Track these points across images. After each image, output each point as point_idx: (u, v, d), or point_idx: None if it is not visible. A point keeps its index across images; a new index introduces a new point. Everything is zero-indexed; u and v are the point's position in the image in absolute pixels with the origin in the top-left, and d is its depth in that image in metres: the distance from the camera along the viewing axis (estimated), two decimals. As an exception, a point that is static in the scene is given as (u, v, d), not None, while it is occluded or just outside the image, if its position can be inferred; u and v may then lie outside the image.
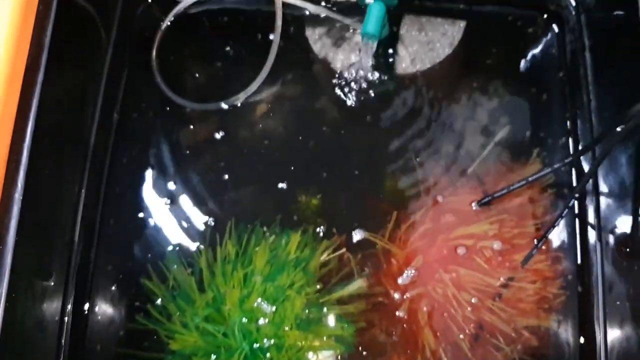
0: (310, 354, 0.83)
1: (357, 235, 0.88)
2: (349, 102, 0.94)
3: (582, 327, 0.84)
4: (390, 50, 0.96)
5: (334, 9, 0.98)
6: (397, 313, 0.84)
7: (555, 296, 0.85)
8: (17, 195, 0.69)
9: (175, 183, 0.91)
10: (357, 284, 0.86)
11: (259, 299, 0.84)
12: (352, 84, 0.94)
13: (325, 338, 0.84)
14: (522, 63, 0.96)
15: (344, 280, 0.86)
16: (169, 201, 0.90)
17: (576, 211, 0.88)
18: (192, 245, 0.88)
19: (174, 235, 0.89)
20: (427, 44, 0.96)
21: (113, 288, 0.87)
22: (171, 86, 0.95)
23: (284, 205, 0.89)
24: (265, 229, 0.88)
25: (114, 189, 0.91)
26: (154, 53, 0.96)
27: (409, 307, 0.85)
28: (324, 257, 0.87)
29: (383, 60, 0.95)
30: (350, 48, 0.96)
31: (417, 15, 0.98)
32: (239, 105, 0.94)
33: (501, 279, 0.85)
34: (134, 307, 0.86)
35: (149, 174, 0.92)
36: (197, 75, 0.97)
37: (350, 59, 0.96)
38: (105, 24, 0.92)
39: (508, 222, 0.87)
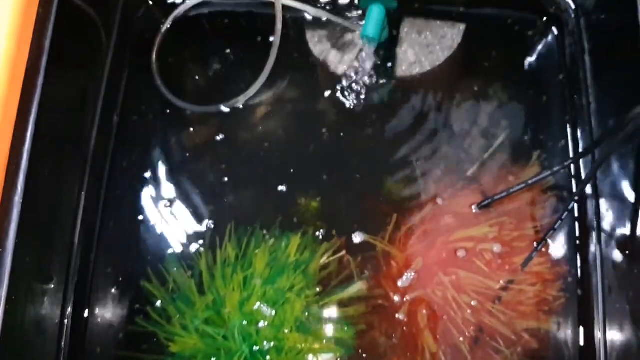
0: (310, 357, 0.83)
1: (357, 238, 0.88)
2: (348, 105, 0.94)
3: (582, 329, 0.84)
4: (390, 53, 0.96)
5: (334, 11, 0.98)
6: (397, 316, 0.84)
7: (555, 299, 0.85)
8: (17, 199, 0.69)
9: (175, 186, 0.91)
10: (357, 287, 0.86)
11: (259, 302, 0.84)
12: (352, 86, 0.94)
13: (325, 341, 0.84)
14: (522, 66, 0.96)
15: (344, 282, 0.86)
16: (168, 204, 0.90)
17: (576, 214, 0.88)
18: (192, 248, 0.88)
19: (174, 237, 0.89)
20: (427, 47, 0.96)
21: (113, 290, 0.87)
22: (171, 89, 0.95)
23: (284, 207, 0.89)
24: (265, 231, 0.88)
25: (114, 191, 0.91)
26: (154, 56, 0.97)
27: (409, 309, 0.85)
28: (323, 259, 0.87)
29: (383, 63, 0.95)
30: (350, 51, 0.96)
31: (416, 18, 0.98)
32: (239, 107, 0.94)
33: (501, 281, 0.85)
34: (133, 309, 0.86)
35: (149, 176, 0.92)
36: (197, 77, 0.98)
37: (350, 62, 0.96)
38: (105, 26, 0.92)
39: (508, 225, 0.87)
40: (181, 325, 0.84)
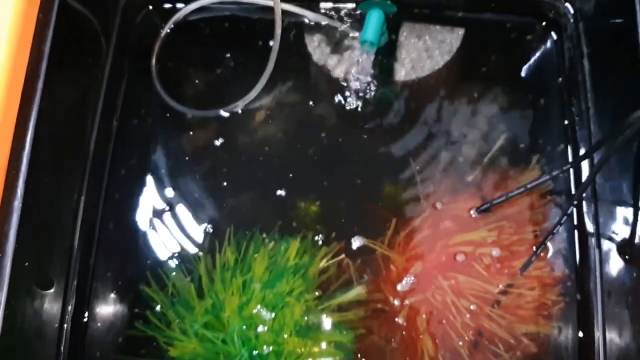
0: (309, 361, 0.83)
1: (356, 242, 0.88)
2: (348, 109, 0.94)
3: (581, 333, 0.84)
4: (389, 58, 0.96)
5: (333, 16, 0.98)
6: (396, 320, 0.84)
7: (554, 303, 0.85)
8: (17, 203, 0.69)
9: (174, 190, 0.91)
10: (356, 291, 0.86)
11: (258, 306, 0.84)
12: (351, 91, 0.94)
13: (324, 345, 0.84)
14: (521, 70, 0.96)
15: (343, 286, 0.86)
16: (168, 208, 0.90)
17: (575, 218, 0.88)
18: (191, 252, 0.88)
19: (173, 242, 0.89)
20: (426, 52, 0.96)
21: (112, 295, 0.87)
22: (171, 93, 0.95)
23: (283, 211, 0.89)
24: (264, 235, 0.88)
25: (114, 195, 0.91)
26: (153, 60, 0.97)
27: (408, 313, 0.85)
28: (323, 263, 0.87)
29: (382, 67, 0.95)
30: (349, 55, 0.97)
31: (415, 22, 0.98)
32: (238, 112, 0.94)
33: (500, 285, 0.85)
34: (133, 313, 0.86)
35: (148, 180, 0.92)
36: (196, 82, 0.98)
37: (349, 66, 0.96)
38: (105, 31, 0.92)
39: (507, 229, 0.87)
40: (180, 330, 0.84)
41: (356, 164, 0.92)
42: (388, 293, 0.86)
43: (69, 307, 0.84)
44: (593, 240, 0.85)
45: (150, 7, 1.00)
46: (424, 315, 0.85)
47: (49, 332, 0.81)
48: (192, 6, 0.97)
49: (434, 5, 0.98)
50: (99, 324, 0.86)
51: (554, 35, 0.97)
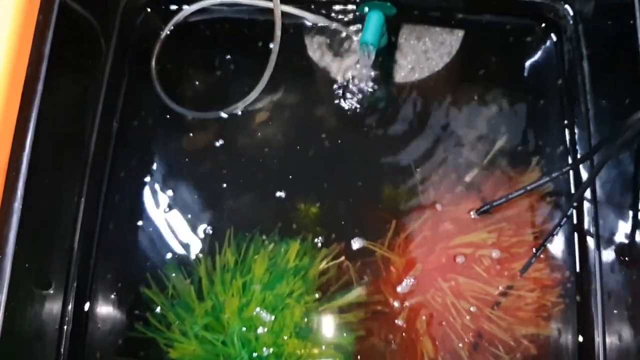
0: (309, 363, 0.83)
1: (356, 244, 0.88)
2: (347, 111, 0.94)
3: (581, 335, 0.84)
4: (389, 60, 0.96)
5: (333, 18, 0.98)
6: (396, 321, 0.84)
7: (554, 304, 0.85)
8: (17, 205, 0.69)
9: (174, 191, 0.91)
10: (356, 292, 0.86)
11: (258, 308, 0.84)
12: (351, 92, 0.94)
13: (324, 347, 0.84)
14: (520, 72, 0.96)
15: (343, 288, 0.86)
16: (168, 209, 0.90)
17: (575, 220, 0.88)
18: (191, 254, 0.88)
19: (173, 243, 0.89)
20: (426, 53, 0.97)
21: (112, 296, 0.87)
22: (171, 95, 0.95)
23: (283, 213, 0.89)
24: (264, 237, 0.88)
25: (114, 197, 0.91)
26: (153, 62, 0.97)
27: (408, 315, 0.85)
28: (323, 265, 0.87)
29: (382, 69, 0.96)
30: (349, 57, 0.97)
31: (415, 24, 0.98)
32: (238, 113, 0.94)
33: (500, 287, 0.85)
34: (133, 315, 0.86)
35: (148, 182, 0.92)
36: (196, 83, 0.98)
37: (349, 68, 0.96)
38: (105, 33, 0.92)
39: (507, 231, 0.88)
40: (180, 331, 0.84)
41: (356, 165, 0.92)
42: (388, 295, 0.86)
43: (69, 309, 0.84)
44: (593, 242, 0.85)
45: (150, 10, 1.00)
46: (423, 317, 0.85)
47: (49, 333, 0.81)
48: (192, 8, 0.97)
49: (433, 7, 0.99)
50: (99, 326, 0.86)
51: (553, 37, 0.97)
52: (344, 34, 0.98)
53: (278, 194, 0.90)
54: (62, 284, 0.83)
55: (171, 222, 0.90)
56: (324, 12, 0.99)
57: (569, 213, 0.86)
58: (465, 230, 0.88)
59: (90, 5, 0.85)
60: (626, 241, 0.80)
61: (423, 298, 0.85)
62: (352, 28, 0.98)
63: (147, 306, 0.86)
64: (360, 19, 0.97)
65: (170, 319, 0.85)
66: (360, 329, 0.84)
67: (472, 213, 0.88)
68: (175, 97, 0.95)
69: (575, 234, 0.87)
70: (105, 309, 0.86)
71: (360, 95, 0.94)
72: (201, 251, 0.88)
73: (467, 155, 0.92)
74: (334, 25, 0.97)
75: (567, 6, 0.95)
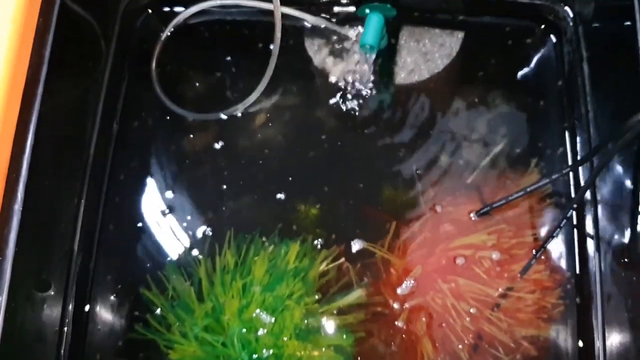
0: (309, 364, 0.83)
1: (356, 245, 0.88)
2: (347, 113, 0.94)
3: (580, 337, 0.84)
4: (389, 61, 0.96)
5: (333, 20, 0.98)
6: (396, 323, 0.84)
7: (554, 306, 0.85)
8: (17, 207, 0.69)
9: (174, 193, 0.92)
10: (356, 294, 0.86)
11: (258, 309, 0.84)
12: (351, 94, 0.95)
13: (324, 348, 0.84)
14: (520, 74, 0.96)
15: (343, 290, 0.86)
16: (168, 211, 0.90)
17: (574, 221, 0.88)
18: (191, 255, 0.88)
19: (173, 245, 0.89)
20: (426, 55, 0.97)
21: (112, 298, 0.87)
22: (171, 96, 0.95)
23: (283, 215, 0.89)
24: (264, 238, 0.88)
25: (114, 198, 0.91)
26: (153, 63, 0.97)
27: (408, 317, 0.85)
28: (323, 266, 0.87)
29: (381, 71, 0.96)
30: (349, 59, 0.97)
31: (415, 26, 0.98)
32: (238, 115, 0.94)
33: (500, 289, 0.85)
34: (133, 317, 0.86)
35: (148, 183, 0.92)
36: (196, 85, 0.98)
37: (349, 70, 0.96)
38: (105, 34, 0.93)
39: (506, 232, 0.88)
40: (180, 333, 0.84)
41: (356, 167, 0.92)
42: (388, 296, 0.86)
43: (69, 310, 0.84)
44: (593, 244, 0.85)
45: (150, 11, 1.00)
46: (423, 319, 0.85)
47: (49, 335, 0.81)
48: (192, 10, 0.97)
49: (433, 9, 0.99)
50: (99, 327, 0.86)
51: (553, 38, 0.97)
52: (344, 36, 0.98)
53: (278, 195, 0.90)
54: (62, 286, 0.84)
55: (171, 223, 0.90)
56: (324, 13, 0.99)
57: (569, 215, 0.86)
58: (465, 231, 0.88)
59: (90, 7, 0.85)
60: (626, 243, 0.80)
61: (423, 300, 0.85)
62: (352, 30, 0.98)
63: (147, 307, 0.86)
64: (360, 20, 0.97)
65: (170, 321, 0.85)
66: (360, 330, 0.84)
67: (472, 215, 0.88)
68: (175, 98, 0.95)
69: (575, 236, 0.87)
70: (105, 311, 0.87)
71: (360, 97, 0.94)
72: (201, 252, 0.88)
73: (467, 156, 0.92)
74: (334, 27, 0.97)
75: (567, 8, 0.95)
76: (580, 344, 0.84)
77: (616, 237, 0.81)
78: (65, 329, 0.84)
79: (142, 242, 0.89)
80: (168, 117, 0.95)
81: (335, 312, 0.85)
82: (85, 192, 0.87)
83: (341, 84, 0.95)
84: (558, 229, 0.86)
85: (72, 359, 0.83)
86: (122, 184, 0.92)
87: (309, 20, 0.97)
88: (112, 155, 0.92)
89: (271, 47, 0.93)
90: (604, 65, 0.88)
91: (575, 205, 0.87)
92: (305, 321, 0.84)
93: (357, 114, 0.94)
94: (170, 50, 0.98)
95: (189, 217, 0.90)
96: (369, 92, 0.95)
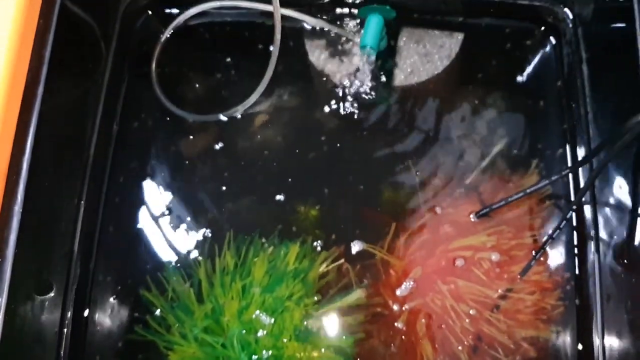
0: (309, 365, 0.83)
1: (355, 246, 0.88)
2: (347, 114, 0.94)
3: (580, 338, 0.84)
4: (389, 63, 0.96)
5: (333, 21, 0.99)
6: (395, 324, 0.85)
7: (554, 307, 0.85)
8: (17, 208, 0.69)
9: (174, 194, 0.92)
10: (356, 295, 0.86)
11: (258, 310, 0.84)
12: (351, 95, 0.95)
13: (323, 349, 0.84)
14: (520, 75, 0.96)
15: (342, 291, 0.86)
16: (168, 212, 0.90)
17: (574, 223, 0.88)
18: (191, 256, 0.88)
19: (173, 246, 0.89)
20: (425, 56, 0.97)
21: (112, 299, 0.87)
22: (171, 98, 0.95)
23: (283, 216, 0.90)
24: (264, 240, 0.88)
25: (114, 199, 0.91)
26: (153, 65, 0.97)
27: (408, 318, 0.85)
28: (322, 268, 0.87)
29: (381, 72, 0.96)
30: (349, 60, 0.97)
31: (415, 27, 0.98)
32: (238, 116, 0.95)
33: (499, 290, 0.85)
34: (133, 318, 0.86)
35: (148, 184, 0.92)
36: (196, 86, 0.98)
37: (348, 71, 0.96)
38: (105, 36, 0.93)
39: (506, 234, 0.88)
40: (180, 334, 0.84)
41: (355, 168, 0.92)
42: (387, 297, 0.86)
43: (69, 312, 0.84)
44: (592, 245, 0.85)
45: (150, 13, 1.00)
46: (423, 320, 0.85)
47: (49, 336, 0.81)
48: (192, 11, 0.98)
49: (433, 11, 0.99)
50: (98, 328, 0.86)
51: (552, 40, 0.97)
52: (343, 38, 0.98)
53: (278, 196, 0.90)
54: (62, 287, 0.84)
55: (171, 224, 0.90)
56: (323, 15, 0.99)
57: (568, 216, 0.86)
58: (464, 233, 0.88)
59: (90, 8, 0.85)
60: (626, 244, 0.80)
61: (422, 301, 0.85)
62: (352, 31, 0.98)
63: (147, 309, 0.86)
64: (360, 22, 0.98)
65: (170, 322, 0.85)
66: (360, 331, 0.84)
67: (471, 216, 0.88)
68: (175, 100, 0.95)
69: (575, 237, 0.87)
70: (105, 312, 0.87)
71: (359, 99, 0.95)
72: (201, 254, 0.88)
73: (466, 158, 0.92)
74: (334, 28, 0.98)
75: (566, 9, 0.95)
76: (580, 345, 0.84)
77: (616, 238, 0.82)
78: (65, 330, 0.84)
79: (142, 243, 0.89)
80: (168, 118, 0.95)
81: (335, 313, 0.85)
82: (85, 193, 0.87)
83: (341, 85, 0.95)
84: (557, 230, 0.86)
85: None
86: (122, 184, 0.92)
87: (309, 22, 0.97)
88: (112, 156, 0.92)
89: (271, 48, 0.93)
90: (604, 66, 0.88)
91: (574, 207, 0.87)
92: (305, 322, 0.84)
93: (356, 115, 0.94)
94: (170, 52, 0.98)
95: (188, 219, 0.90)
96: (368, 93, 0.95)
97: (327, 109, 0.95)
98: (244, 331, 0.83)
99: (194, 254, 0.88)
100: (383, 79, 0.96)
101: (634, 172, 0.78)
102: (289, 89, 0.96)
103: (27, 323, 0.75)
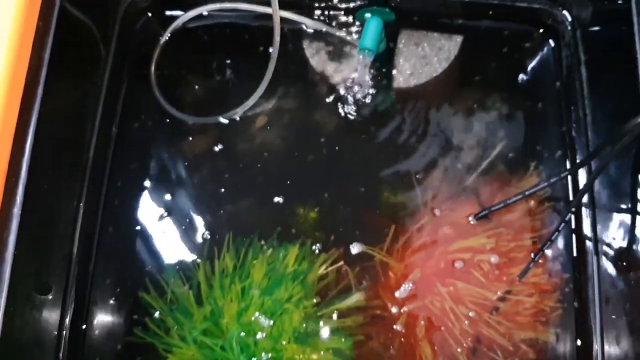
0: (308, 368, 0.83)
1: (355, 249, 0.88)
2: (346, 116, 0.94)
3: (579, 340, 0.84)
4: (388, 65, 0.97)
5: (332, 23, 0.99)
6: (394, 326, 0.84)
7: (553, 309, 0.85)
8: (16, 210, 0.69)
9: (173, 196, 0.92)
10: (355, 297, 0.86)
11: (257, 313, 0.84)
12: (350, 98, 0.95)
13: (322, 351, 0.84)
14: (519, 77, 0.96)
15: (341, 293, 0.86)
16: (167, 214, 0.90)
17: (573, 225, 0.88)
18: (190, 259, 0.88)
19: (172, 248, 0.89)
20: (424, 59, 0.97)
21: (111, 301, 0.87)
22: (170, 100, 0.95)
23: (282, 218, 0.90)
24: (263, 242, 0.88)
25: (113, 201, 0.91)
26: (153, 67, 0.97)
27: (407, 320, 0.85)
28: (321, 270, 0.87)
29: (380, 74, 0.96)
30: (348, 62, 0.97)
31: (414, 30, 0.98)
32: (237, 118, 0.95)
33: (498, 292, 0.86)
34: (132, 320, 0.86)
35: (147, 186, 0.92)
36: (196, 88, 0.98)
37: (347, 74, 0.96)
38: (104, 38, 0.93)
39: (505, 236, 0.88)
40: (179, 336, 0.84)
41: (355, 170, 0.92)
42: (387, 300, 0.86)
43: (68, 314, 0.84)
44: (591, 247, 0.85)
45: (149, 15, 1.00)
46: (422, 322, 0.85)
47: (48, 339, 0.81)
48: (191, 14, 0.98)
49: (432, 13, 0.99)
50: (97, 331, 0.86)
51: (551, 42, 0.97)
52: (342, 40, 0.98)
53: (277, 198, 0.90)
54: (61, 289, 0.83)
55: (170, 226, 0.90)
56: (323, 17, 0.99)
57: (567, 218, 0.86)
58: (463, 235, 0.88)
59: (89, 10, 0.85)
60: (624, 246, 0.80)
61: (422, 303, 0.85)
62: (351, 34, 0.98)
63: (146, 311, 0.86)
64: (359, 24, 0.98)
65: (169, 324, 0.85)
66: (359, 333, 0.84)
67: (470, 218, 0.89)
68: (174, 102, 0.95)
69: (574, 239, 0.88)
70: (104, 314, 0.86)
71: (358, 101, 0.95)
72: (200, 256, 0.88)
73: (465, 160, 0.92)
74: (333, 30, 0.98)
75: (565, 12, 0.95)
76: (579, 347, 0.84)
77: (614, 240, 0.82)
78: (64, 332, 0.84)
79: (141, 245, 0.89)
80: (167, 120, 0.95)
81: (334, 315, 0.85)
82: (84, 194, 0.87)
83: (340, 87, 0.95)
84: (556, 233, 0.86)
85: (71, 362, 0.84)
86: (122, 186, 0.92)
87: (308, 24, 0.97)
88: (112, 158, 0.92)
89: (270, 51, 0.93)
90: (602, 68, 0.88)
91: (573, 209, 0.87)
92: (304, 324, 0.84)
93: (355, 117, 0.94)
94: (169, 54, 0.98)
95: (187, 220, 0.90)
96: (367, 95, 0.95)
97: (326, 111, 0.95)
98: (243, 333, 0.83)
99: (193, 256, 0.88)
100: (382, 81, 0.96)
101: (632, 174, 0.78)
102: (288, 91, 0.96)
103: (26, 325, 0.75)
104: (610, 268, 0.82)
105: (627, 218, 0.79)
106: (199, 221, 0.90)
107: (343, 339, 0.84)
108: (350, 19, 0.98)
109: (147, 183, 0.92)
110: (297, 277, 0.86)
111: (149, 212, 0.91)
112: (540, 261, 0.86)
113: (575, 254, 0.87)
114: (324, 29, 0.98)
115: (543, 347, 0.84)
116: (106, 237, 0.89)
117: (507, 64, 0.97)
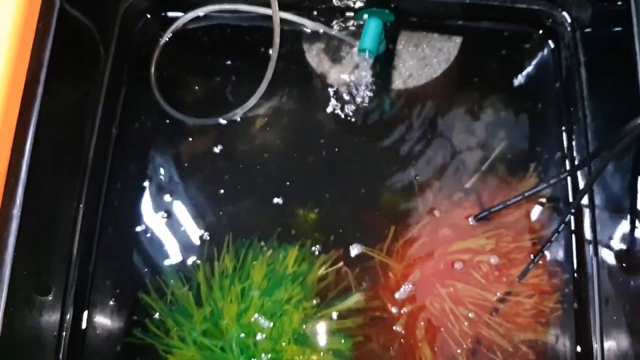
0: (308, 369, 0.83)
1: (354, 250, 0.88)
2: (346, 117, 0.94)
3: (579, 341, 0.84)
4: (387, 66, 0.97)
5: (332, 25, 0.99)
6: (394, 327, 0.84)
7: (552, 310, 0.85)
8: (16, 212, 0.69)
9: (173, 197, 0.92)
10: (355, 298, 0.86)
11: (257, 314, 0.84)
12: (349, 99, 0.95)
13: (322, 353, 0.84)
14: (518, 79, 0.96)
15: (341, 294, 0.86)
16: (167, 215, 0.90)
17: (572, 226, 0.88)
18: (190, 260, 0.88)
19: (172, 249, 0.89)
20: (424, 60, 0.97)
21: (111, 302, 0.87)
22: (170, 101, 0.95)
23: (282, 219, 0.90)
24: (262, 243, 0.88)
25: (113, 202, 0.91)
26: (152, 68, 0.97)
27: (407, 321, 0.85)
28: (321, 271, 0.87)
29: (380, 75, 0.96)
30: (348, 64, 0.97)
31: (413, 31, 0.98)
32: (237, 119, 0.95)
33: (498, 293, 0.85)
34: (131, 321, 0.86)
35: (147, 187, 0.92)
36: (195, 89, 0.98)
37: (347, 75, 0.96)
38: (104, 39, 0.93)
39: (505, 237, 0.88)
40: (179, 337, 0.84)
41: (354, 171, 0.92)
42: (386, 301, 0.86)
43: (68, 315, 0.84)
44: (590, 248, 0.85)
45: (149, 16, 1.00)
46: (422, 323, 0.85)
47: (48, 339, 0.81)
48: (191, 15, 0.98)
49: (431, 14, 0.99)
50: (97, 332, 0.86)
51: (551, 43, 0.98)
52: (342, 41, 0.98)
53: (277, 199, 0.90)
54: (60, 290, 0.83)
55: (170, 227, 0.90)
56: (322, 19, 0.99)
57: (567, 219, 0.86)
58: (463, 236, 0.88)
59: (89, 12, 0.85)
60: (624, 247, 0.80)
61: (421, 304, 0.85)
62: (351, 35, 0.98)
63: (146, 312, 0.86)
64: (358, 26, 0.98)
65: (168, 325, 0.85)
66: (359, 334, 0.84)
67: (470, 219, 0.89)
68: (174, 103, 0.95)
69: (573, 240, 0.88)
70: (103, 315, 0.86)
71: (358, 102, 0.95)
72: (200, 257, 0.88)
73: (465, 161, 0.92)
74: (333, 32, 0.98)
75: (564, 13, 0.95)
76: (579, 348, 0.84)
77: (614, 241, 0.82)
78: (64, 333, 0.84)
79: (141, 246, 0.89)
80: (167, 121, 0.95)
81: (333, 316, 0.85)
82: (84, 195, 0.87)
83: (340, 88, 0.95)
84: (556, 234, 0.86)
85: (71, 363, 0.84)
86: (121, 187, 0.92)
87: (308, 25, 0.98)
88: (111, 159, 0.92)
89: (270, 52, 0.93)
90: (602, 69, 0.88)
91: (573, 210, 0.87)
92: (304, 326, 0.84)
93: (355, 118, 0.94)
94: (169, 55, 0.98)
95: (187, 222, 0.90)
96: (367, 97, 0.95)
97: (326, 112, 0.95)
98: (243, 334, 0.83)
99: (193, 257, 0.88)
100: (382, 82, 0.96)
101: (632, 175, 0.78)
102: (288, 92, 0.96)
103: (26, 326, 0.75)
104: (610, 269, 0.82)
105: (627, 219, 0.79)
106: (198, 222, 0.90)
107: (343, 340, 0.84)
108: (350, 20, 0.98)
109: (146, 184, 0.92)
110: (297, 278, 0.86)
111: (149, 213, 0.91)
112: (540, 262, 0.86)
113: (575, 254, 0.87)
114: (323, 31, 0.98)
115: (543, 348, 0.84)
116: (106, 238, 0.89)
117: (506, 65, 0.97)
